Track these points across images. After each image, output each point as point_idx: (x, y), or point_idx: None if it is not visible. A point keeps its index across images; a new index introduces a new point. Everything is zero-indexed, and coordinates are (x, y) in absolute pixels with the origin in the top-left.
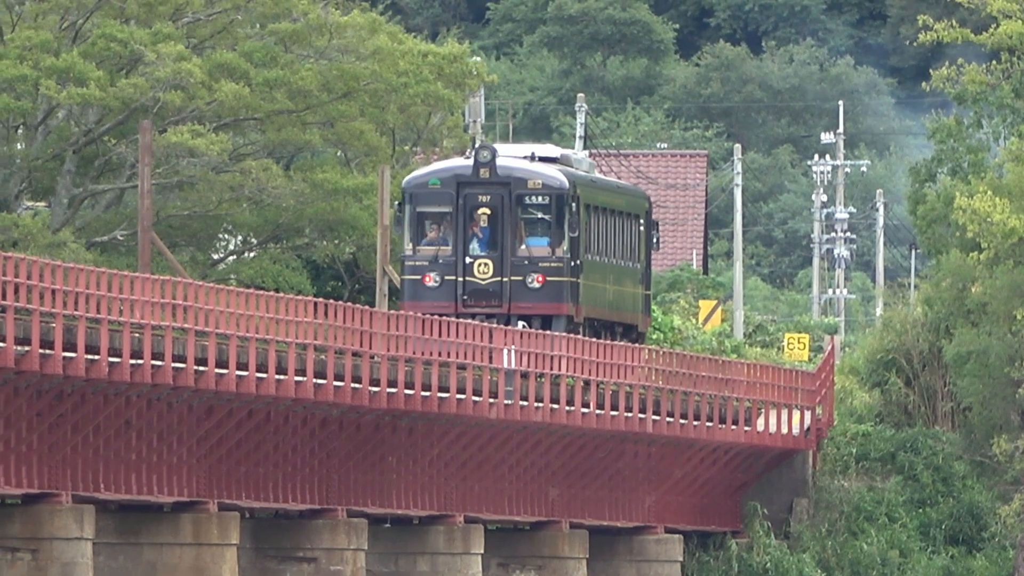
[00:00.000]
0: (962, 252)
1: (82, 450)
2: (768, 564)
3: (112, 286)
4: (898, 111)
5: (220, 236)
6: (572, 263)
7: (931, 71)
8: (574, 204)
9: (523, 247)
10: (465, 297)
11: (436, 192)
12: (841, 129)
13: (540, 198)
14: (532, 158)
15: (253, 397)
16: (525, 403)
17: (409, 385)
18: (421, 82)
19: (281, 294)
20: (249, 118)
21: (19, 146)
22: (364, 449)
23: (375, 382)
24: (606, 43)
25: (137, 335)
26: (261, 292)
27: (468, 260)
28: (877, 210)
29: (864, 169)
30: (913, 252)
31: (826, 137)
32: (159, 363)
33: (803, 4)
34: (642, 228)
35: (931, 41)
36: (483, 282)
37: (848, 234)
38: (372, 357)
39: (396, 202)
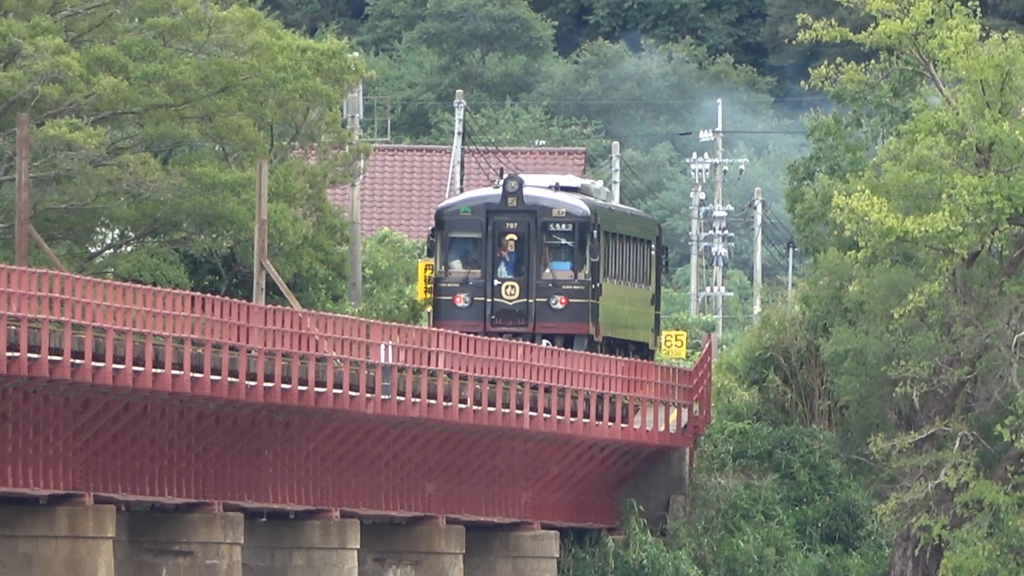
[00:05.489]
0: (840, 251)
1: None
2: (644, 561)
3: None
4: (777, 110)
5: (97, 230)
6: (592, 286)
7: (810, 70)
8: (595, 231)
9: (547, 271)
10: (493, 317)
11: (467, 219)
12: (719, 127)
13: (564, 225)
14: (556, 188)
15: (130, 390)
16: (402, 398)
17: (286, 379)
18: (299, 77)
19: (158, 288)
20: (127, 112)
21: None
22: (240, 443)
23: (252, 376)
24: (485, 40)
25: (14, 328)
26: (138, 286)
27: (496, 283)
28: (755, 208)
29: (742, 167)
30: (791, 250)
31: (704, 135)
32: (35, 356)
33: (682, 2)
34: (653, 253)
35: (810, 40)
36: (510, 303)
37: (726, 232)
38: (249, 351)
39: (430, 228)
